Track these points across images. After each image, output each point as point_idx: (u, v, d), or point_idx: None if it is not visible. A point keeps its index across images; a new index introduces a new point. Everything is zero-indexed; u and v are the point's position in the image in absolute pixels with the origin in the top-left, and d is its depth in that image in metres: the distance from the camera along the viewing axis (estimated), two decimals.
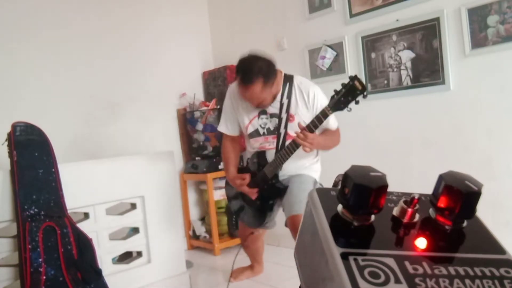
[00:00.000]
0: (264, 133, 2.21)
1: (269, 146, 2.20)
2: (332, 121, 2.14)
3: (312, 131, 1.88)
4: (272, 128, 2.18)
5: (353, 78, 1.72)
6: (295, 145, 1.97)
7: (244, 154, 2.39)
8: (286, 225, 2.11)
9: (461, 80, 2.34)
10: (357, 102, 1.75)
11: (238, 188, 2.22)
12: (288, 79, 2.19)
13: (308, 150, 1.91)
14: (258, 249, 2.68)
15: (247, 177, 2.19)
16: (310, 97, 2.12)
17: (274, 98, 2.15)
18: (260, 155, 2.20)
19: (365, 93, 1.73)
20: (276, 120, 2.17)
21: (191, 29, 3.79)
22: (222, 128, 2.35)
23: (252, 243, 2.60)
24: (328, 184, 0.75)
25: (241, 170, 2.30)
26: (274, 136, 2.19)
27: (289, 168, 2.18)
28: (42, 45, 2.96)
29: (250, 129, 2.22)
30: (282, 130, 2.15)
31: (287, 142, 2.09)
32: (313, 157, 2.28)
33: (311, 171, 2.25)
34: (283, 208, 2.21)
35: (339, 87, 1.83)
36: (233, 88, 2.30)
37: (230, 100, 2.30)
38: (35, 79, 2.92)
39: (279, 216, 2.35)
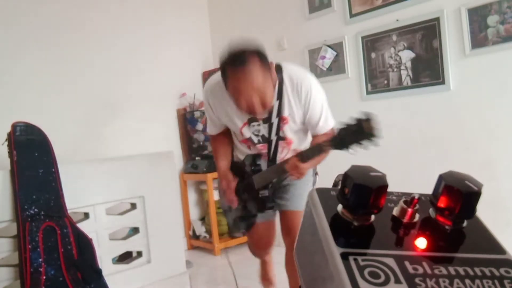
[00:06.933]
0: (259, 141, 1.85)
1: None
2: (322, 123, 1.78)
3: (304, 161, 1.61)
4: (267, 135, 1.84)
5: (361, 120, 1.40)
6: (282, 170, 1.72)
7: (235, 149, 2.03)
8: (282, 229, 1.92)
9: (461, 80, 2.34)
10: (361, 145, 1.43)
11: (222, 188, 1.90)
12: (277, 72, 1.75)
13: (296, 178, 1.70)
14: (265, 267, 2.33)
15: (234, 183, 1.87)
16: (303, 93, 1.74)
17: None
18: (256, 158, 1.89)
19: (372, 139, 1.40)
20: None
21: (191, 29, 3.79)
22: (211, 129, 2.00)
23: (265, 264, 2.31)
24: (328, 184, 0.75)
25: (235, 166, 1.97)
26: None
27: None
28: (42, 46, 2.96)
29: (243, 138, 1.88)
30: (273, 137, 1.81)
31: (280, 151, 1.84)
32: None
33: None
34: (280, 206, 1.95)
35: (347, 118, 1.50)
36: (209, 88, 1.88)
37: (207, 104, 1.88)
38: (35, 79, 2.92)
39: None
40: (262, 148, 1.86)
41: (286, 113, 1.76)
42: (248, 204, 1.91)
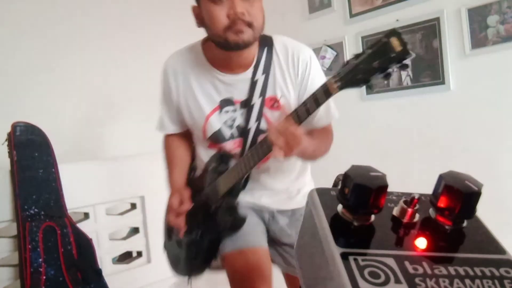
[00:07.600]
0: (232, 135, 1.30)
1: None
2: (324, 113, 1.28)
3: (300, 121, 1.06)
4: (244, 125, 1.29)
5: (391, 34, 0.90)
6: (266, 147, 1.10)
7: (197, 160, 1.47)
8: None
9: (461, 80, 2.34)
10: (387, 75, 0.97)
11: (170, 212, 1.37)
12: (265, 41, 1.34)
13: (282, 155, 1.02)
14: None
15: (188, 204, 1.33)
16: (301, 63, 1.32)
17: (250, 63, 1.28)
18: (223, 159, 1.31)
19: (404, 61, 0.93)
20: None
21: (191, 29, 3.78)
22: (164, 125, 1.42)
23: None
24: (328, 184, 0.75)
25: (192, 181, 1.46)
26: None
27: (270, 194, 1.35)
28: (41, 45, 2.96)
29: (208, 131, 1.30)
30: (251, 125, 1.26)
31: None
32: (305, 171, 1.44)
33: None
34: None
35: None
36: (170, 61, 1.41)
37: (167, 84, 1.34)
38: (35, 79, 2.92)
39: None
40: (235, 146, 1.30)
41: (278, 92, 1.27)
42: (208, 227, 1.35)
